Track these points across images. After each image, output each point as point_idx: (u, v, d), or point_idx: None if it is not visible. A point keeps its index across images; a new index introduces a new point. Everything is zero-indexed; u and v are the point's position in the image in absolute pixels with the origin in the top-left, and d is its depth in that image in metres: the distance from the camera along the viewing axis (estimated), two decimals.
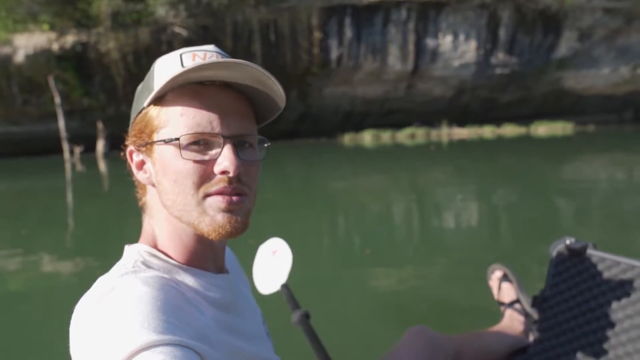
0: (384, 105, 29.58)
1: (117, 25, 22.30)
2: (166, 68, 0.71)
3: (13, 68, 21.62)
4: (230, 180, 0.68)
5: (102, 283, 0.63)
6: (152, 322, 0.54)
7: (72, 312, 0.63)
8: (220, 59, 0.65)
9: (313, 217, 6.35)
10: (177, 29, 22.70)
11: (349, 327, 2.65)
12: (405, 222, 5.77)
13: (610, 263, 1.47)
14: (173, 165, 0.68)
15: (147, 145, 0.71)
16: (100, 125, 21.93)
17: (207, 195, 0.68)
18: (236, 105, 0.70)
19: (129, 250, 0.75)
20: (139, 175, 0.75)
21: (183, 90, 0.68)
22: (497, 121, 29.22)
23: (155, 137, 0.70)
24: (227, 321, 0.72)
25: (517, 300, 1.75)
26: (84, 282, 0.69)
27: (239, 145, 0.70)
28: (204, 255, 0.75)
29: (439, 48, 27.14)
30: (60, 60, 22.05)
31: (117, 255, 0.77)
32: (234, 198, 0.68)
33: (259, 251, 1.76)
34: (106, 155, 21.50)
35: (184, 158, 0.67)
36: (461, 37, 27.13)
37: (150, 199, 0.75)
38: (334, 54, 25.92)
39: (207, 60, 0.65)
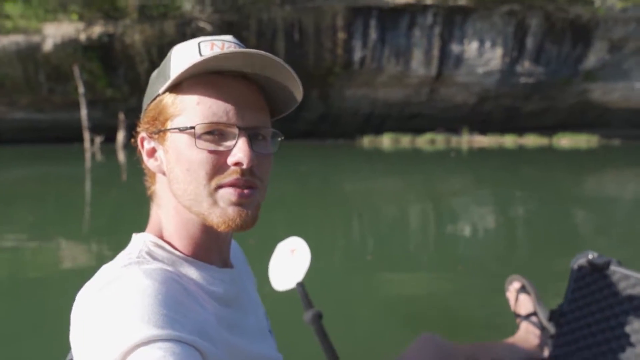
0: (404, 110, 29.35)
1: (144, 18, 22.54)
2: (184, 56, 0.70)
3: (41, 56, 22.02)
4: (243, 172, 0.67)
5: (105, 272, 0.62)
6: (153, 316, 0.54)
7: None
8: (239, 49, 0.65)
9: (329, 217, 6.30)
10: (202, 24, 22.85)
11: (360, 330, 2.63)
12: (422, 228, 5.70)
13: (635, 281, 1.41)
14: (187, 154, 0.68)
15: (160, 132, 0.71)
16: (121, 116, 22.19)
17: (219, 187, 0.68)
18: (252, 96, 0.70)
19: (135, 239, 0.74)
20: (150, 163, 0.74)
21: (200, 79, 0.68)
22: (519, 130, 28.75)
23: (170, 125, 0.69)
24: (228, 317, 0.72)
25: (534, 313, 1.71)
26: (95, 269, 0.67)
27: (253, 138, 0.69)
28: (210, 247, 0.75)
29: (464, 54, 26.81)
30: (87, 50, 22.38)
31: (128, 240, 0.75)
32: (245, 191, 0.68)
33: (278, 248, 1.78)
34: (126, 146, 21.76)
35: (198, 147, 0.66)
36: (487, 44, 26.75)
37: (160, 188, 0.75)
38: (357, 55, 25.79)
39: (226, 50, 0.65)
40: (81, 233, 5.48)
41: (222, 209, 0.68)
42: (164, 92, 0.70)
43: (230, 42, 0.72)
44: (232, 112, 0.67)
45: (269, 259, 1.77)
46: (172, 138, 0.69)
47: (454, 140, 27.77)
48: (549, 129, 29.29)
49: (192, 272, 0.71)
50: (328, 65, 25.89)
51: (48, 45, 21.90)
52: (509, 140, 27.59)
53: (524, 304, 1.76)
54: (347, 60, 25.83)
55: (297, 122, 25.69)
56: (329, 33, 25.13)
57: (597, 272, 1.51)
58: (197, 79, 0.68)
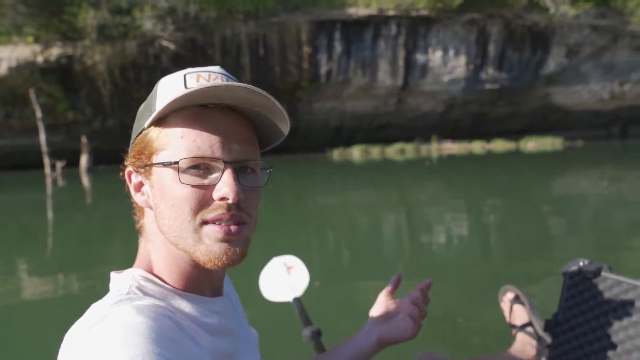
0: (374, 121, 29.51)
1: (104, 38, 22.06)
2: (169, 89, 0.69)
3: None
4: (229, 207, 0.66)
5: (95, 310, 0.61)
6: (145, 356, 0.53)
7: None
8: (224, 82, 0.65)
9: (313, 233, 6.24)
10: (165, 43, 22.50)
11: None
12: (406, 240, 5.64)
13: (627, 286, 1.40)
14: (171, 189, 0.66)
15: (146, 167, 0.69)
16: (84, 140, 21.53)
17: (204, 222, 0.66)
18: (239, 129, 0.69)
19: (121, 277, 0.71)
20: (137, 198, 0.73)
21: (185, 112, 0.67)
22: (487, 136, 29.26)
23: (155, 159, 0.68)
24: (223, 348, 0.71)
25: (530, 323, 1.70)
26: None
27: (240, 171, 0.68)
28: (201, 281, 0.73)
29: (429, 63, 27.20)
30: (45, 72, 21.72)
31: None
32: (232, 228, 0.66)
33: (272, 262, 1.79)
34: (89, 170, 21.06)
35: (182, 182, 0.65)
36: (451, 52, 27.22)
37: (148, 222, 0.73)
38: (323, 68, 25.84)
39: (212, 83, 0.66)
40: (44, 262, 5.21)
41: (207, 246, 0.66)
42: (149, 126, 0.69)
43: (217, 73, 0.71)
44: (217, 145, 0.66)
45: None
46: (158, 172, 0.68)
47: (424, 148, 28.01)
48: (516, 133, 29.92)
49: (184, 305, 0.69)
50: (295, 79, 25.84)
51: (2, 69, 21.15)
52: (477, 146, 27.98)
53: (519, 315, 1.73)
54: (313, 74, 25.84)
55: None
56: (294, 47, 25.11)
57: (589, 279, 1.50)
58: (181, 112, 0.67)
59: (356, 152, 26.94)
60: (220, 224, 0.66)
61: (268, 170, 0.75)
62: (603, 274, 1.48)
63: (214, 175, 0.66)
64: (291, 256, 1.81)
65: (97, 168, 21.52)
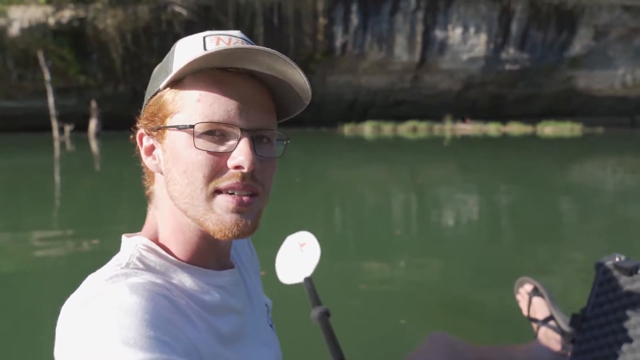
0: (388, 97, 28.92)
1: (116, 2, 21.75)
2: (187, 50, 0.67)
3: (8, 41, 21.22)
4: (244, 176, 0.64)
5: (90, 285, 0.60)
6: (137, 339, 0.52)
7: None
8: (246, 45, 0.62)
9: (327, 210, 6.17)
10: (177, 8, 22.12)
11: (368, 328, 2.60)
12: (423, 222, 5.55)
13: None
14: (184, 154, 0.64)
15: (159, 129, 0.67)
16: (93, 104, 21.49)
17: (216, 191, 0.64)
18: (258, 96, 0.66)
19: (127, 243, 0.70)
20: (147, 161, 0.70)
21: (203, 75, 0.64)
22: (504, 118, 28.48)
23: (169, 122, 0.66)
24: (223, 327, 0.68)
25: (551, 317, 1.65)
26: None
27: (256, 140, 0.66)
28: (208, 252, 0.71)
29: (448, 40, 26.35)
30: (57, 35, 21.60)
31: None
32: (245, 198, 0.65)
33: (287, 241, 1.76)
34: (98, 135, 21.09)
35: (197, 148, 0.63)
36: (471, 30, 26.31)
37: (157, 188, 0.71)
38: (338, 41, 25.24)
39: (232, 46, 0.62)
40: (53, 225, 5.23)
41: (219, 215, 0.64)
42: (164, 88, 0.66)
43: (237, 37, 0.68)
44: (235, 111, 0.63)
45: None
46: (171, 136, 0.65)
47: (437, 127, 27.43)
48: (534, 117, 29.07)
49: (185, 279, 0.68)
50: (309, 51, 25.32)
51: (14, 30, 21.08)
52: (492, 129, 27.30)
53: (539, 308, 1.68)
54: (328, 47, 25.29)
55: None
56: (310, 18, 24.51)
57: (624, 276, 1.45)
58: (200, 75, 0.64)
59: (367, 128, 26.51)
60: (233, 193, 0.64)
61: (285, 142, 0.72)
62: None
63: (230, 143, 0.64)
64: (305, 232, 1.76)
65: (105, 133, 21.55)
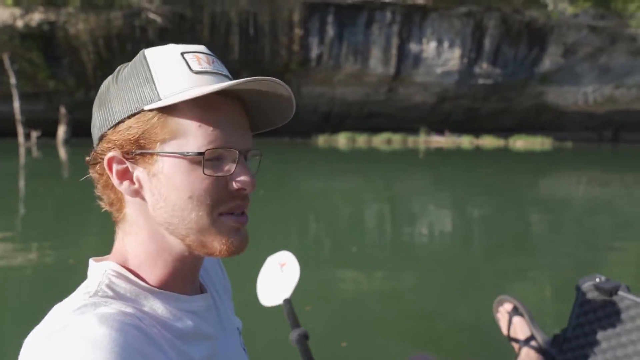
0: (363, 109, 29.08)
1: (88, 7, 21.37)
2: (171, 69, 0.64)
3: None
4: (244, 197, 0.67)
5: (56, 316, 0.57)
6: None
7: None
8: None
9: (307, 224, 6.16)
10: (152, 15, 21.87)
11: (347, 350, 2.57)
12: (404, 237, 5.57)
13: None
14: (189, 180, 0.63)
15: (142, 154, 0.64)
16: (62, 110, 21.00)
17: (220, 214, 0.66)
18: (243, 116, 0.68)
19: (95, 268, 0.67)
20: (123, 186, 0.66)
21: (198, 100, 0.63)
22: (477, 132, 28.93)
23: (160, 147, 0.64)
24: (195, 355, 0.67)
25: (532, 337, 1.62)
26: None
27: (246, 159, 0.69)
28: (185, 276, 0.70)
29: (422, 54, 26.71)
30: (25, 38, 21.06)
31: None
32: (243, 217, 0.67)
33: (267, 262, 1.74)
34: (67, 142, 20.58)
35: (205, 174, 0.63)
36: (445, 44, 26.74)
37: (133, 214, 0.68)
38: (314, 52, 25.30)
39: (213, 67, 0.65)
40: (15, 235, 5.08)
41: (226, 236, 0.66)
42: (150, 110, 0.63)
43: (209, 55, 0.67)
44: (233, 134, 0.65)
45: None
46: (166, 162, 0.64)
47: (411, 140, 27.67)
48: (506, 131, 29.61)
49: (157, 306, 0.66)
50: (284, 61, 25.31)
51: None
52: (466, 141, 27.70)
53: (520, 328, 1.65)
54: (303, 57, 25.32)
55: None
56: (286, 29, 24.53)
57: (604, 297, 1.45)
58: (194, 100, 0.62)
59: (342, 140, 26.57)
60: (233, 213, 0.66)
61: (259, 157, 0.73)
62: (620, 293, 1.42)
63: (228, 165, 0.65)
64: (285, 252, 1.74)
65: (75, 140, 21.05)
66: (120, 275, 0.66)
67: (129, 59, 0.67)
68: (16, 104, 20.43)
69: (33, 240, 4.65)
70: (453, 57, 27.07)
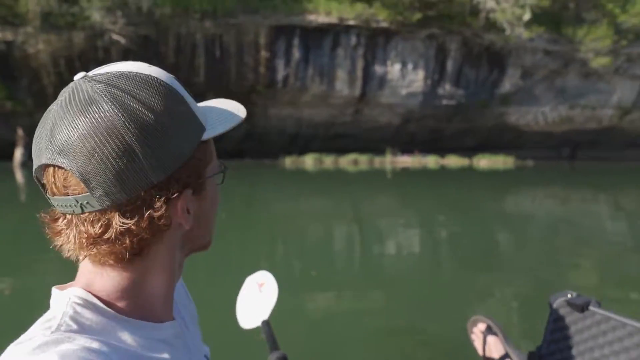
0: (330, 130, 29.28)
1: (49, 27, 20.90)
2: (189, 96, 0.65)
3: None
4: None
5: (13, 357, 0.53)
6: None
7: None
8: (240, 115, 0.71)
9: (276, 246, 6.12)
10: (115, 36, 21.55)
11: None
12: (374, 256, 5.59)
13: (616, 324, 1.38)
14: (217, 193, 0.71)
15: (202, 182, 0.66)
16: (20, 132, 20.29)
17: None
18: None
19: (58, 297, 0.62)
20: (184, 219, 0.63)
21: None
22: (441, 151, 29.51)
23: (210, 172, 0.68)
24: None
25: (507, 356, 1.63)
26: None
27: None
28: (161, 300, 0.67)
29: (387, 75, 27.23)
30: None
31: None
32: None
33: (246, 283, 1.73)
34: (24, 165, 19.83)
35: (217, 184, 0.71)
36: (409, 66, 27.36)
37: (163, 246, 0.64)
38: (280, 74, 25.43)
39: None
40: None
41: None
42: (204, 140, 0.65)
43: None
44: None
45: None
46: (209, 183, 0.68)
47: (378, 160, 27.95)
48: (470, 150, 30.31)
49: (126, 337, 0.61)
50: (251, 83, 25.31)
51: None
52: (431, 161, 28.16)
53: (495, 347, 1.65)
54: (270, 79, 25.39)
55: (222, 141, 24.76)
56: (252, 51, 24.61)
57: (576, 312, 1.47)
58: None
59: (309, 161, 26.59)
60: None
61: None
62: (591, 308, 1.44)
63: None
64: (263, 272, 1.74)
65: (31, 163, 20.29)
66: (85, 303, 0.60)
67: None
68: None
69: None
70: (417, 79, 27.70)
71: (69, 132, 0.54)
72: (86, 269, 0.63)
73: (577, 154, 34.87)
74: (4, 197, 11.17)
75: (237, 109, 0.72)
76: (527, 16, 25.12)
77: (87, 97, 0.56)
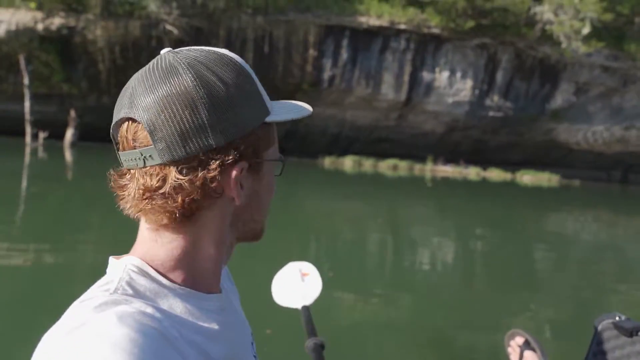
0: (372, 133, 29.08)
1: (108, 14, 21.71)
2: (259, 85, 0.70)
3: None
4: None
5: (75, 313, 0.58)
6: None
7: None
8: (308, 110, 0.74)
9: (313, 244, 6.21)
10: (169, 27, 22.15)
11: None
12: (414, 261, 5.63)
13: None
14: (273, 180, 0.74)
15: (258, 161, 0.69)
16: (72, 113, 21.14)
17: None
18: None
19: (115, 265, 0.67)
20: (235, 192, 0.67)
21: None
22: (484, 164, 28.78)
23: (267, 156, 0.71)
24: (214, 355, 0.68)
25: None
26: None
27: None
28: (216, 271, 0.72)
29: (434, 82, 26.79)
30: (44, 41, 21.35)
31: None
32: None
33: (288, 266, 1.81)
34: (74, 145, 20.66)
35: (275, 174, 0.74)
36: (458, 74, 26.83)
37: (214, 215, 0.68)
38: (327, 74, 25.45)
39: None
40: (13, 236, 5.05)
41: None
42: (267, 122, 0.69)
43: None
44: None
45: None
46: (267, 167, 0.72)
47: (418, 167, 27.55)
48: (514, 164, 29.42)
49: (177, 305, 0.66)
50: (297, 81, 25.46)
51: (1, 31, 20.78)
52: (472, 173, 27.55)
53: None
54: (316, 78, 25.46)
55: None
56: (300, 49, 24.74)
57: (623, 337, 1.37)
58: None
59: (348, 162, 26.50)
60: None
61: None
62: None
63: None
64: (307, 263, 1.81)
65: (83, 144, 21.12)
66: (140, 272, 0.66)
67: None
68: (27, 104, 20.61)
69: (29, 242, 4.56)
70: (465, 88, 27.13)
71: (148, 91, 0.61)
72: (142, 237, 0.69)
73: (629, 178, 33.26)
74: (51, 174, 11.65)
75: (304, 105, 0.75)
76: (586, 30, 24.14)
77: (168, 64, 0.63)
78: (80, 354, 0.51)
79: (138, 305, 0.60)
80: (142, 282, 0.65)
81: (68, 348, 0.52)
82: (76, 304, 0.59)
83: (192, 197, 0.64)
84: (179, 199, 0.63)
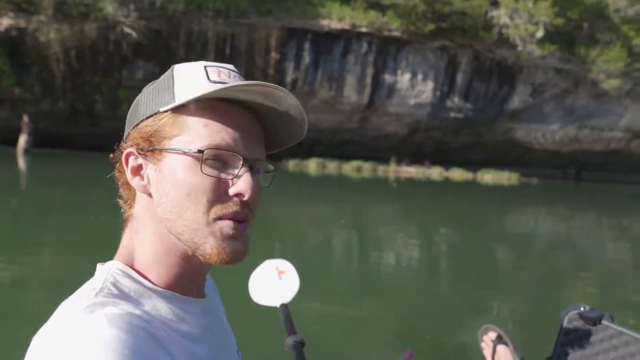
0: (335, 136, 29.21)
1: (61, 16, 20.98)
2: (191, 78, 0.69)
3: None
4: (243, 204, 0.67)
5: (65, 313, 0.58)
6: None
7: None
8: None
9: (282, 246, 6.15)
10: (127, 29, 21.60)
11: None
12: (378, 269, 5.59)
13: (629, 339, 1.38)
14: (188, 177, 0.66)
15: (153, 150, 0.68)
16: (25, 119, 20.32)
17: (217, 218, 0.66)
18: (256, 128, 0.71)
19: (101, 269, 0.69)
20: (135, 182, 0.69)
21: (208, 103, 0.67)
22: (446, 164, 29.37)
23: (168, 145, 0.67)
24: (200, 356, 0.68)
25: None
26: None
27: (253, 170, 0.69)
28: (189, 278, 0.71)
29: (396, 84, 27.15)
30: None
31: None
32: (241, 225, 0.67)
33: (265, 264, 1.79)
34: (27, 152, 19.84)
35: (204, 172, 0.65)
36: (419, 76, 27.29)
37: (140, 210, 0.71)
38: (289, 77, 25.41)
39: (232, 81, 0.68)
40: None
41: (218, 240, 0.66)
42: (165, 111, 0.68)
43: (234, 72, 0.71)
44: (239, 140, 0.67)
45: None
46: (171, 158, 0.67)
47: (381, 169, 27.84)
48: (474, 164, 30.15)
49: (162, 306, 0.67)
50: None
51: None
52: (435, 173, 28.04)
53: (504, 356, 1.65)
54: (278, 81, 25.33)
55: None
56: (262, 52, 24.61)
57: (588, 326, 1.48)
58: (205, 103, 0.67)
59: (312, 165, 26.52)
60: (231, 220, 0.66)
61: (272, 174, 0.75)
62: (604, 322, 1.44)
63: (231, 171, 0.67)
64: (284, 261, 1.80)
65: (37, 150, 20.32)
66: (124, 274, 0.66)
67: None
68: None
69: None
70: (426, 90, 27.62)
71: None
72: (123, 242, 0.71)
73: (582, 175, 34.63)
74: (5, 183, 11.12)
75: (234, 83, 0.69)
76: (540, 33, 25.01)
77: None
78: (70, 355, 0.51)
79: (126, 307, 0.60)
80: (126, 284, 0.66)
81: (58, 350, 0.52)
82: (65, 305, 0.59)
83: (124, 189, 0.71)
84: (123, 193, 0.72)
